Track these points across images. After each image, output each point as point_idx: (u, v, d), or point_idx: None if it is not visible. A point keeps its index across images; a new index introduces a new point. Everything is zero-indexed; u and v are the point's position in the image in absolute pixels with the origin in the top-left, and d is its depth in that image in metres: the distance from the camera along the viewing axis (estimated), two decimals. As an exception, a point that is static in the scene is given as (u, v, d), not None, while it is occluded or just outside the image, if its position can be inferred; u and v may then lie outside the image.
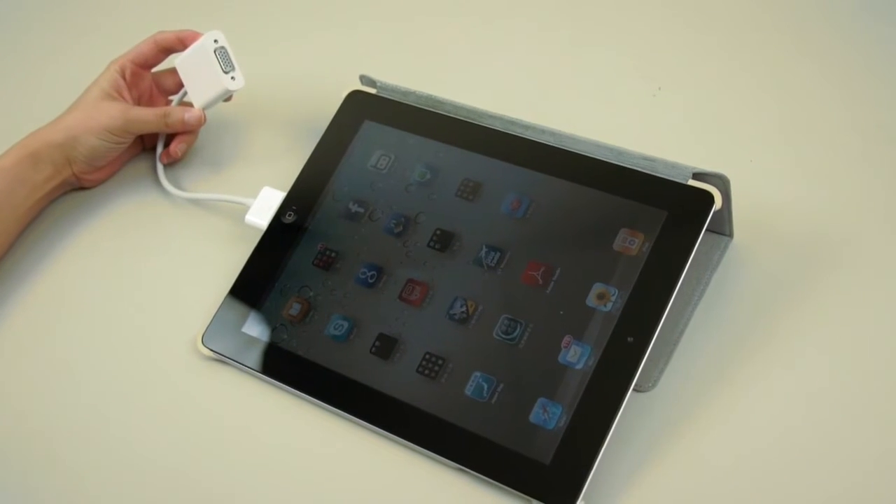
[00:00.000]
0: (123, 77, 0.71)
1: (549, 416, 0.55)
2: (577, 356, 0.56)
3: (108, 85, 0.70)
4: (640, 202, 0.60)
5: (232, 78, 0.69)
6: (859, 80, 0.72)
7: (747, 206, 0.62)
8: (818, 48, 0.75)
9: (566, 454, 0.54)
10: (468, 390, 0.58)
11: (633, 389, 0.54)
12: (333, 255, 0.65)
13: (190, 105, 0.73)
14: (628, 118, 0.72)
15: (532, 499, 0.54)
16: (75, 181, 0.72)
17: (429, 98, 0.69)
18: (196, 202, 0.72)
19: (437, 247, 0.63)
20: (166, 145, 0.74)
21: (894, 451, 0.55)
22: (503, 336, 0.59)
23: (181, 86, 0.73)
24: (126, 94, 0.71)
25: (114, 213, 0.73)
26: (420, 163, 0.67)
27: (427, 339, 0.60)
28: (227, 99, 0.72)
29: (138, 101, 0.73)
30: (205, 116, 0.72)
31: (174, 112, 0.70)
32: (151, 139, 0.74)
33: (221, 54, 0.69)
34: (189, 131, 0.73)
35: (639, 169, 0.61)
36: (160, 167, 0.73)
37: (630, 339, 0.55)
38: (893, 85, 0.71)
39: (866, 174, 0.67)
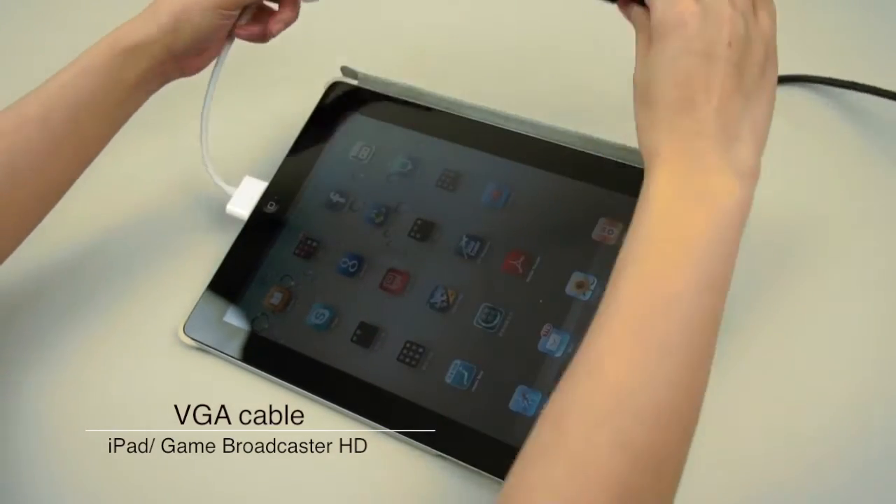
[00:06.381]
0: None
1: (529, 403, 0.56)
2: (557, 344, 0.57)
3: None
4: (619, 192, 0.60)
5: None
6: (844, 74, 0.73)
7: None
8: (798, 42, 0.75)
9: (545, 441, 0.54)
10: (448, 378, 0.58)
11: (612, 377, 0.55)
12: (315, 244, 0.65)
13: None
14: (608, 109, 0.73)
15: (512, 485, 0.54)
16: (177, 73, 0.63)
17: (410, 89, 0.69)
18: (176, 191, 0.72)
19: (417, 236, 0.63)
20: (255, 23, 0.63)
21: (875, 436, 0.56)
22: (483, 324, 0.59)
23: None
24: None
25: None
26: (401, 153, 0.67)
27: (408, 327, 0.60)
28: None
29: None
30: None
31: None
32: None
33: None
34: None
35: (618, 159, 0.61)
36: None
37: (609, 327, 0.56)
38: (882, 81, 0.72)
39: (841, 166, 0.68)
